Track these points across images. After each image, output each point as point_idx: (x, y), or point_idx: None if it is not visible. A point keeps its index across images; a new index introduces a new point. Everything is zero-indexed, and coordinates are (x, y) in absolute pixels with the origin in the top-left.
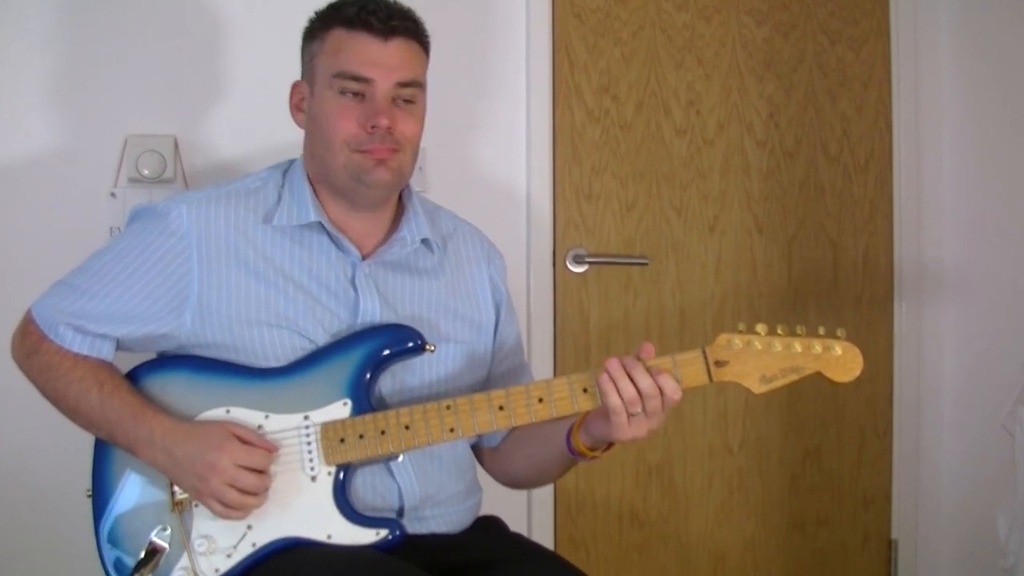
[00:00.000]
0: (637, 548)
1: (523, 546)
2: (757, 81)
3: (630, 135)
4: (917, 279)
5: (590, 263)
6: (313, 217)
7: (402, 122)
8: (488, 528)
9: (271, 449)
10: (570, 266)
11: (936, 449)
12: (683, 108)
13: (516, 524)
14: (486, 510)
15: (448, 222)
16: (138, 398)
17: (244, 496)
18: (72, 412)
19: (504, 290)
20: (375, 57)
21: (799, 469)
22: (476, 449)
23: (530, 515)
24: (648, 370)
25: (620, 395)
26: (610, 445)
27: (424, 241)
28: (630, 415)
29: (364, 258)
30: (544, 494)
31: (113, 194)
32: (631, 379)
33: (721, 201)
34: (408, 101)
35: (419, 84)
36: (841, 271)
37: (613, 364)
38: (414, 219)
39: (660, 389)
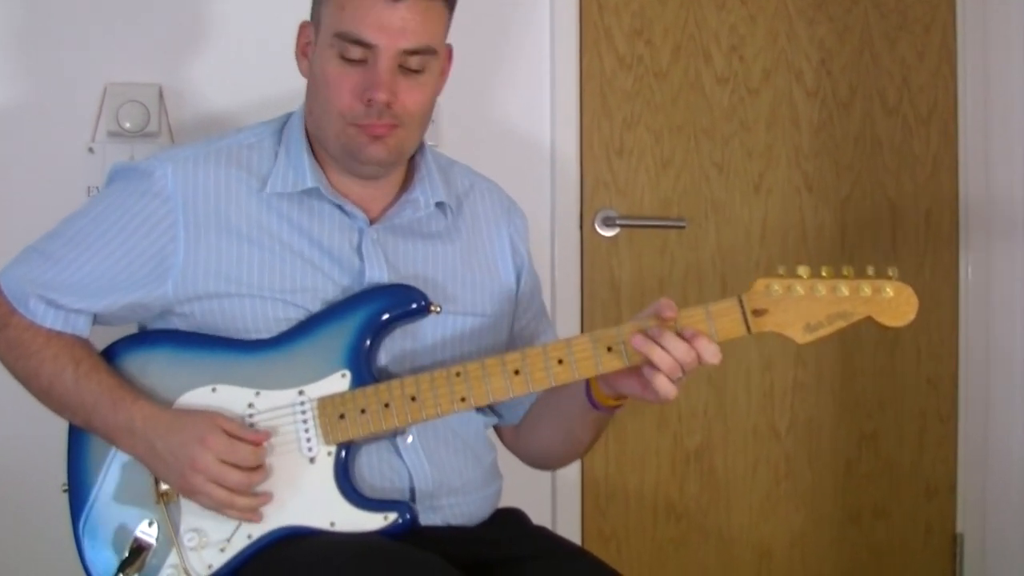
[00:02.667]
0: (673, 543)
1: (547, 541)
2: (807, 23)
3: (666, 84)
4: (985, 245)
5: (621, 226)
6: (310, 183)
7: (405, 94)
8: (509, 521)
9: (258, 441)
10: (599, 229)
11: (1007, 434)
12: (725, 54)
13: (540, 517)
14: (506, 502)
15: (463, 178)
16: (117, 380)
17: (231, 495)
18: (45, 394)
19: (525, 253)
20: (381, 19)
21: (854, 455)
22: (498, 431)
23: (555, 507)
24: (680, 334)
25: (659, 367)
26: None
27: (439, 204)
28: (675, 383)
29: (372, 223)
30: (570, 484)
31: (91, 149)
32: (662, 348)
33: (767, 157)
34: (415, 71)
35: (431, 51)
36: (900, 234)
37: (639, 341)
38: (428, 180)
39: (697, 353)
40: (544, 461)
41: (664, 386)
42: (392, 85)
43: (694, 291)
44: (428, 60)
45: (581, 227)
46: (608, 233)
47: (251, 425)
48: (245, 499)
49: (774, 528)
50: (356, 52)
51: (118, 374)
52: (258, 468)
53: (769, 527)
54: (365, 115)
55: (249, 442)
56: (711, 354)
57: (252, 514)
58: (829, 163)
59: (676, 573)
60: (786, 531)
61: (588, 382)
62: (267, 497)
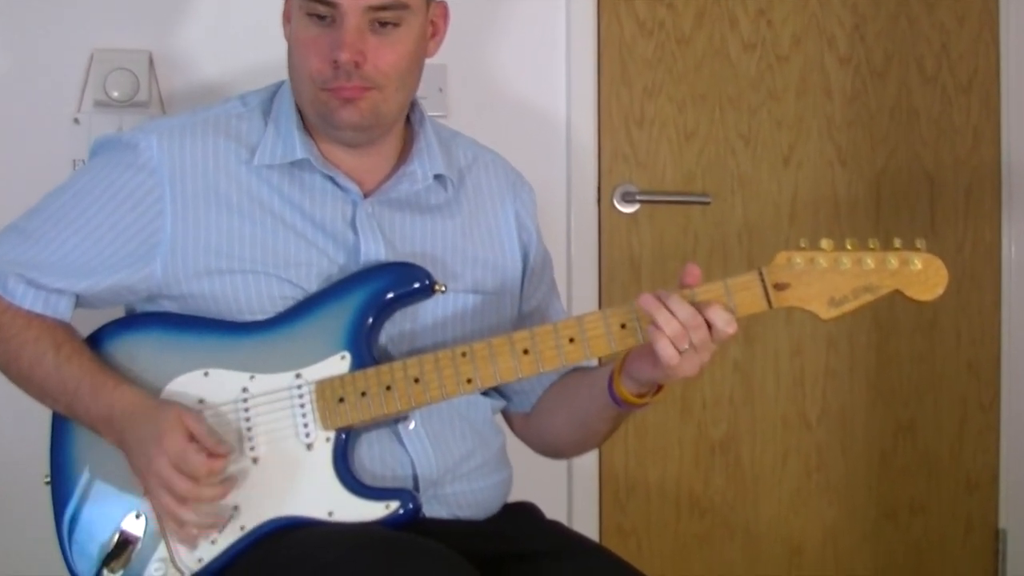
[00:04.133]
0: (697, 539)
1: (563, 537)
2: None
3: (689, 50)
4: None
5: (641, 202)
6: (300, 154)
7: (376, 53)
8: (521, 515)
9: (215, 452)
10: (618, 205)
11: None
12: (752, 18)
13: (554, 511)
14: (518, 495)
15: (466, 151)
16: (98, 365)
17: (177, 505)
18: (25, 380)
19: (533, 228)
20: None
21: (889, 446)
22: (507, 416)
23: (571, 501)
24: (694, 303)
25: (663, 329)
26: (659, 388)
27: (438, 177)
28: (680, 352)
29: (366, 196)
30: (588, 476)
31: (76, 120)
32: (669, 311)
33: (797, 128)
34: (388, 25)
35: (401, 4)
36: (939, 210)
37: (647, 300)
38: (427, 151)
39: (708, 322)
40: (556, 451)
41: (666, 350)
42: (358, 44)
43: (719, 271)
44: (401, 15)
45: (598, 203)
46: (627, 210)
47: (245, 411)
48: (188, 513)
49: (804, 524)
50: (321, 9)
51: (101, 359)
52: (213, 482)
53: (799, 522)
54: (334, 77)
55: (206, 451)
56: (724, 322)
57: (189, 532)
58: (863, 135)
59: (700, 571)
60: (817, 527)
61: (611, 377)
62: (216, 520)
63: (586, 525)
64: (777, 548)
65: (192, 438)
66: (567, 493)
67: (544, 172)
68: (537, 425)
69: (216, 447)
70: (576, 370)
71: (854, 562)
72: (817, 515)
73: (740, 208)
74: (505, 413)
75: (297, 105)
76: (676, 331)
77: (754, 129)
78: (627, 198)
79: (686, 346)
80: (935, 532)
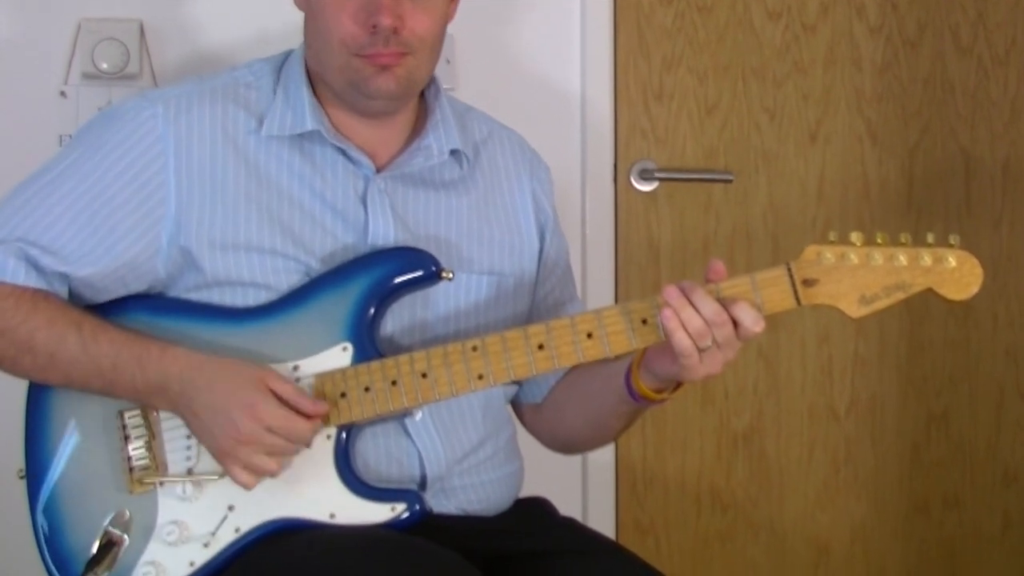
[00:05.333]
0: (719, 537)
1: (577, 534)
2: None
3: (711, 19)
4: None
5: (660, 180)
6: (310, 125)
7: (413, 18)
8: (533, 512)
9: (317, 414)
10: (635, 183)
11: None
12: None
13: (568, 507)
14: (530, 490)
15: (481, 126)
16: (131, 334)
17: (273, 463)
18: (44, 370)
19: (550, 209)
20: None
21: (922, 438)
22: (516, 407)
23: (585, 496)
24: (720, 299)
25: (686, 329)
26: (679, 384)
27: (453, 153)
28: (700, 350)
29: (379, 170)
30: (603, 470)
31: (63, 93)
32: (694, 307)
33: (824, 102)
34: None
35: None
36: (975, 188)
37: (672, 293)
38: (442, 125)
39: (734, 319)
40: (567, 446)
41: (682, 342)
42: (397, 8)
43: (742, 253)
44: None
45: (615, 181)
46: (645, 188)
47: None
48: (276, 466)
49: (832, 520)
50: None
51: (128, 328)
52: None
53: (826, 519)
54: (371, 43)
55: (304, 414)
56: (752, 320)
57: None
58: (895, 109)
59: (722, 570)
60: (846, 523)
61: (628, 370)
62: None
63: (601, 522)
64: (803, 546)
65: (280, 400)
66: (581, 488)
67: (557, 149)
68: (548, 418)
69: (312, 407)
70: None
71: (884, 560)
72: (845, 511)
73: (764, 186)
74: (515, 403)
75: (312, 74)
76: (698, 328)
77: (779, 103)
78: (645, 176)
79: (708, 343)
80: (970, 528)
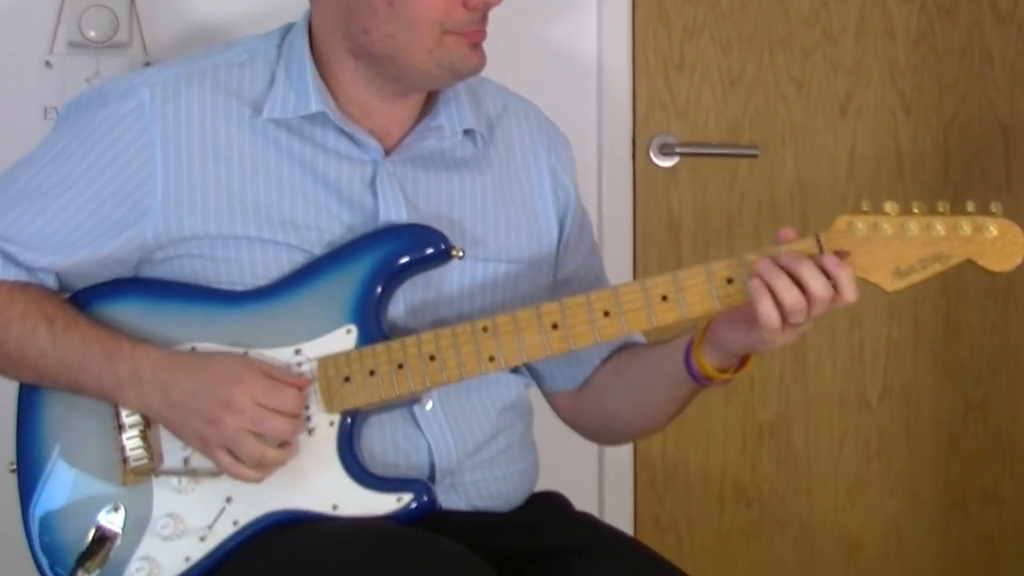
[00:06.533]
0: (743, 533)
1: (593, 531)
2: None
3: None
4: None
5: (681, 155)
6: (315, 107)
7: None
8: (546, 507)
9: (302, 385)
10: (655, 158)
11: None
12: None
13: (583, 502)
14: (544, 484)
15: (495, 99)
16: (103, 330)
17: (264, 447)
18: (14, 364)
19: (571, 186)
20: None
21: (958, 428)
22: (551, 398)
23: (602, 490)
24: (820, 265)
25: (779, 302)
26: (744, 361)
27: (467, 132)
28: (790, 324)
29: (388, 153)
30: (620, 463)
31: (48, 63)
32: (795, 278)
33: (855, 73)
34: None
35: None
36: (1015, 163)
37: (765, 265)
38: (454, 102)
39: (836, 287)
40: (611, 435)
41: (768, 312)
42: None
43: (768, 231)
44: None
45: (633, 156)
46: (666, 163)
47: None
48: (276, 452)
49: (863, 515)
50: None
51: (103, 324)
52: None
53: (858, 514)
54: (471, 21)
55: (291, 386)
56: (850, 289)
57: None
58: (929, 80)
59: (746, 568)
60: (878, 518)
61: (689, 347)
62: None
63: (618, 518)
64: (832, 543)
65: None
66: (597, 481)
67: (572, 122)
68: (589, 406)
69: (298, 380)
70: (632, 344)
71: (919, 557)
72: (878, 505)
73: (792, 162)
74: (547, 392)
75: (317, 54)
76: (795, 303)
77: (807, 73)
78: (665, 151)
79: (801, 319)
80: (1010, 523)
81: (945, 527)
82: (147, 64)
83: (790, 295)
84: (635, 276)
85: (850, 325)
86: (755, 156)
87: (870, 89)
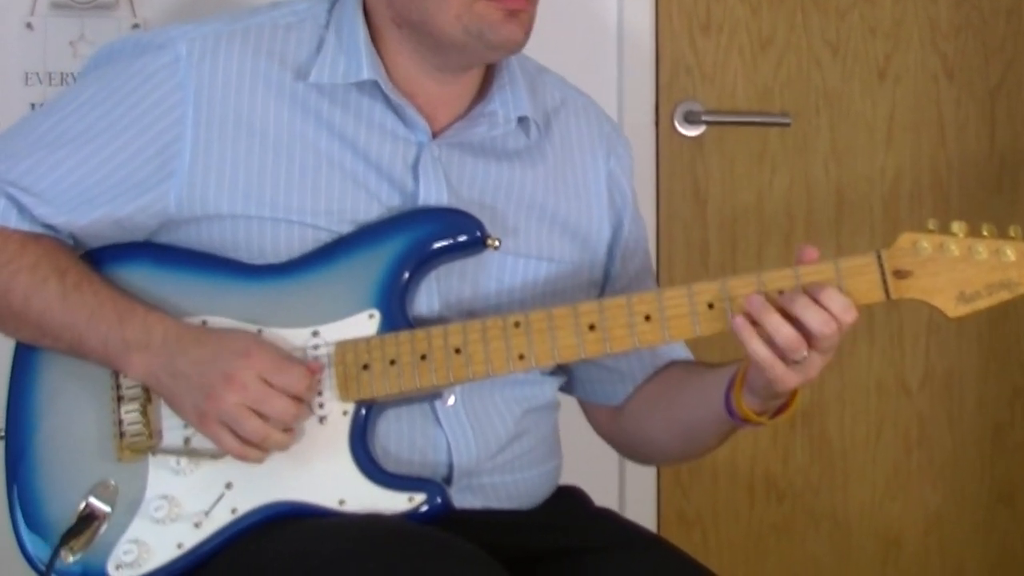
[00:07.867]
0: (775, 529)
1: (614, 527)
2: None
3: None
4: None
5: (708, 123)
6: (367, 74)
7: None
8: (565, 503)
9: (313, 369)
10: (680, 127)
11: None
12: None
13: (604, 497)
14: (562, 478)
15: (554, 91)
16: (116, 291)
17: (267, 428)
18: (18, 316)
19: (629, 191)
20: None
21: (1005, 417)
22: (589, 410)
23: (623, 485)
24: (803, 286)
25: (773, 339)
26: (783, 407)
27: (521, 120)
28: (792, 362)
29: (435, 135)
30: None
31: (29, 24)
32: (787, 315)
33: (895, 36)
34: None
35: None
36: None
37: (755, 302)
38: (510, 88)
39: (835, 319)
40: (647, 457)
41: (777, 376)
42: None
43: (801, 207)
44: None
45: (657, 124)
46: (691, 132)
47: None
48: (280, 435)
49: (903, 510)
50: None
51: (117, 284)
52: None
53: (897, 508)
54: None
55: (299, 366)
56: (842, 308)
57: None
58: (974, 43)
59: (778, 566)
60: (919, 513)
61: (730, 385)
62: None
63: (641, 513)
64: (870, 539)
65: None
66: (619, 476)
67: (591, 87)
68: (628, 426)
69: (310, 364)
70: (677, 364)
71: (962, 555)
72: (918, 499)
73: (826, 131)
74: (585, 404)
75: (371, 20)
76: (789, 340)
77: (843, 36)
78: (691, 118)
79: (802, 355)
80: None
81: (990, 523)
82: (135, 27)
83: (782, 333)
84: (658, 252)
85: (888, 306)
86: (787, 125)
87: (910, 53)
